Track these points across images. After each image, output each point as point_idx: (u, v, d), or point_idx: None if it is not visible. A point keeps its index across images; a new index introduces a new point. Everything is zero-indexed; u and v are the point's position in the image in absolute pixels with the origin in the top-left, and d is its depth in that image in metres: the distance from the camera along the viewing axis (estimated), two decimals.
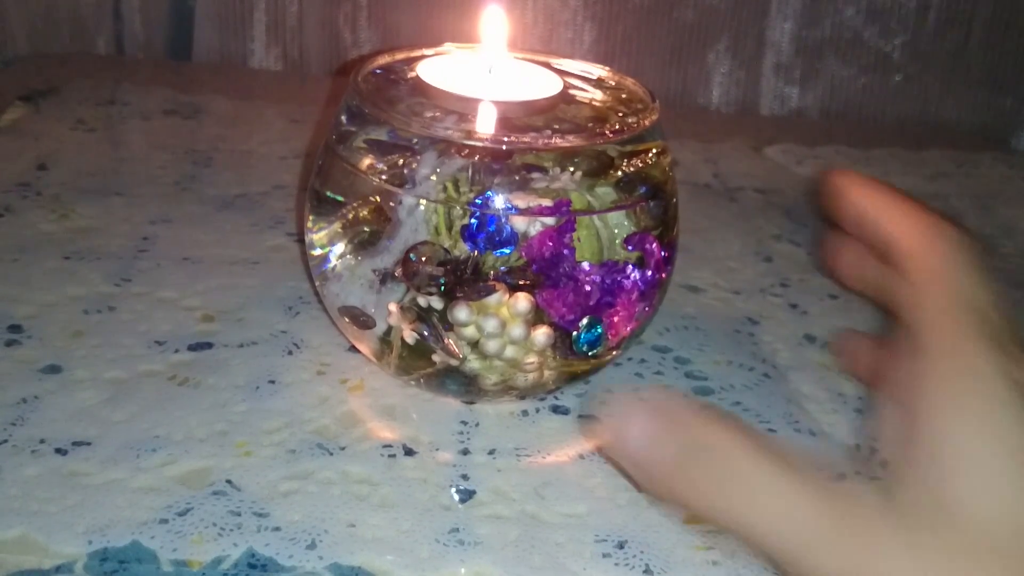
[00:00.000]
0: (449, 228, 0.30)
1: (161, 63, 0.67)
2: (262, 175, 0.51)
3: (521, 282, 0.31)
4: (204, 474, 0.30)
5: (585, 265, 0.31)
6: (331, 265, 0.33)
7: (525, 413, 0.34)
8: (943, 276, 0.28)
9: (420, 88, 0.33)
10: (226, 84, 0.63)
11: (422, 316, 0.31)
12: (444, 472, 0.31)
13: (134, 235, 0.44)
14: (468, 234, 0.30)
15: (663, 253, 0.33)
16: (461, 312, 0.31)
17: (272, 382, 0.35)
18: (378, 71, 0.35)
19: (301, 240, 0.44)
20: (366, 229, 0.32)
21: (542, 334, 0.31)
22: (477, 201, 0.30)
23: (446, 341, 0.31)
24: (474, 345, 0.31)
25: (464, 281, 0.30)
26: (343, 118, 0.33)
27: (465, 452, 0.32)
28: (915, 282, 0.28)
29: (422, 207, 0.30)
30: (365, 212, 0.32)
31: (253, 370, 0.35)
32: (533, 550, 0.28)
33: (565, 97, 0.35)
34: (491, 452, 0.32)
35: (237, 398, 0.34)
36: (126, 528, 0.28)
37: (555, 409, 0.35)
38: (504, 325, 0.31)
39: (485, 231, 0.30)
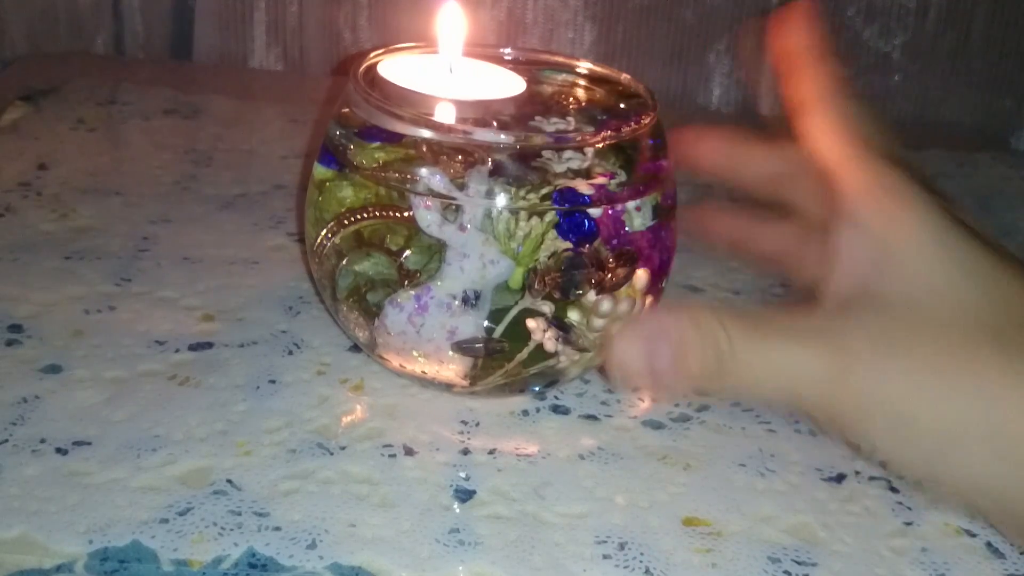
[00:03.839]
0: (511, 233, 0.30)
1: (161, 63, 0.67)
2: (262, 175, 0.51)
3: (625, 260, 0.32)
4: (204, 473, 0.30)
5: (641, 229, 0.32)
6: (399, 301, 0.32)
7: (525, 413, 0.34)
8: (851, 121, 0.33)
9: (404, 94, 0.33)
10: (226, 84, 0.63)
11: (556, 323, 0.31)
12: (444, 472, 0.31)
13: (134, 235, 0.44)
14: (561, 231, 0.30)
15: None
16: (606, 304, 0.31)
17: (272, 382, 0.35)
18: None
19: (301, 240, 0.44)
20: (408, 253, 0.31)
21: (650, 303, 0.33)
22: (556, 198, 0.30)
23: (580, 339, 0.32)
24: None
25: (601, 276, 0.31)
26: (353, 129, 0.33)
27: (465, 452, 0.32)
28: (827, 125, 0.33)
29: (468, 218, 0.30)
30: (399, 234, 0.31)
31: (253, 370, 0.35)
32: (533, 550, 0.28)
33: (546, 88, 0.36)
34: (491, 452, 0.32)
35: (237, 398, 0.34)
36: (126, 527, 0.28)
37: (555, 409, 0.35)
38: (634, 305, 0.32)
39: (577, 225, 0.30)
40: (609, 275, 0.31)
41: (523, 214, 0.30)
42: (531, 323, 0.31)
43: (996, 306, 0.29)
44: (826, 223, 0.32)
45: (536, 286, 0.31)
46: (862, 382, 0.28)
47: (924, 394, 0.28)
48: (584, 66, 0.37)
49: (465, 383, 0.33)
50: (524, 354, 0.32)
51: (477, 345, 0.31)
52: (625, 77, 0.36)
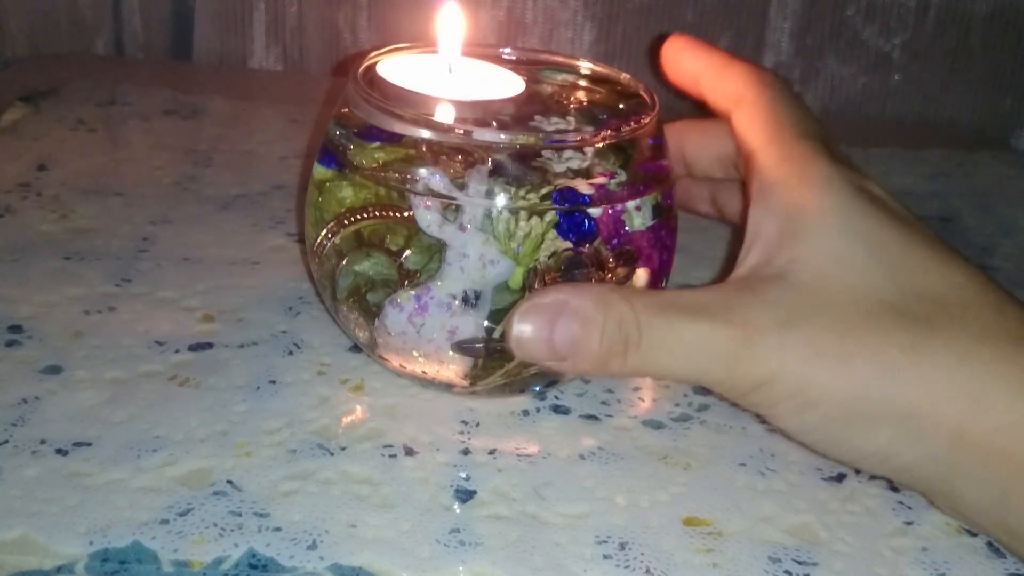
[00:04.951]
0: (511, 233, 0.30)
1: (161, 63, 0.67)
2: (262, 175, 0.51)
3: (625, 260, 0.32)
4: (205, 474, 0.30)
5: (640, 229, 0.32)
6: (399, 300, 0.32)
7: (525, 413, 0.34)
8: (773, 107, 0.33)
9: (404, 94, 0.33)
10: (226, 84, 0.63)
11: None
12: (444, 472, 0.31)
13: (134, 235, 0.44)
14: (561, 231, 0.30)
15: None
16: None
17: (272, 382, 0.35)
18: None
19: (301, 240, 0.44)
20: (408, 253, 0.31)
21: None
22: (556, 198, 0.30)
23: None
24: None
25: (601, 276, 0.31)
26: (353, 129, 0.32)
27: (465, 452, 0.32)
28: (749, 116, 0.33)
29: (468, 218, 0.30)
30: (399, 235, 0.31)
31: (253, 370, 0.35)
32: (534, 551, 0.28)
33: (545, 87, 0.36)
34: (491, 452, 0.32)
35: (237, 398, 0.34)
36: (127, 528, 0.28)
37: (555, 409, 0.35)
38: None
39: (577, 225, 0.30)
40: (609, 275, 0.31)
41: (523, 214, 0.30)
42: None
43: (901, 283, 0.28)
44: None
45: (537, 286, 0.31)
46: (764, 355, 0.28)
47: (824, 369, 0.28)
48: (583, 66, 0.37)
49: (465, 383, 0.33)
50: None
51: (477, 345, 0.31)
52: (624, 77, 0.36)
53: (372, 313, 0.32)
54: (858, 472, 0.33)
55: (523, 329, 0.29)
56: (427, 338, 0.32)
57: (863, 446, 0.28)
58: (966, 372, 0.27)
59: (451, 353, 0.32)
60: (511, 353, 0.31)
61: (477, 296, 0.31)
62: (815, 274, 0.29)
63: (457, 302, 0.31)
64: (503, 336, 0.30)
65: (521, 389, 0.34)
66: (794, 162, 0.31)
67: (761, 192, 0.31)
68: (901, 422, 0.27)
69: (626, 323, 0.28)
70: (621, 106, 0.35)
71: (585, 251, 0.31)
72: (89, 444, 0.31)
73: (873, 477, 0.33)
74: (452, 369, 0.32)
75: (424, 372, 0.33)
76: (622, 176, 0.31)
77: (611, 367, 0.29)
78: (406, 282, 0.31)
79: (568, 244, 0.30)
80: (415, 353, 0.32)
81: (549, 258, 0.30)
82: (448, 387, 0.34)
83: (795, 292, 0.28)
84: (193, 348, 0.36)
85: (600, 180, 0.31)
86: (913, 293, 0.28)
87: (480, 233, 0.30)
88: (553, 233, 0.30)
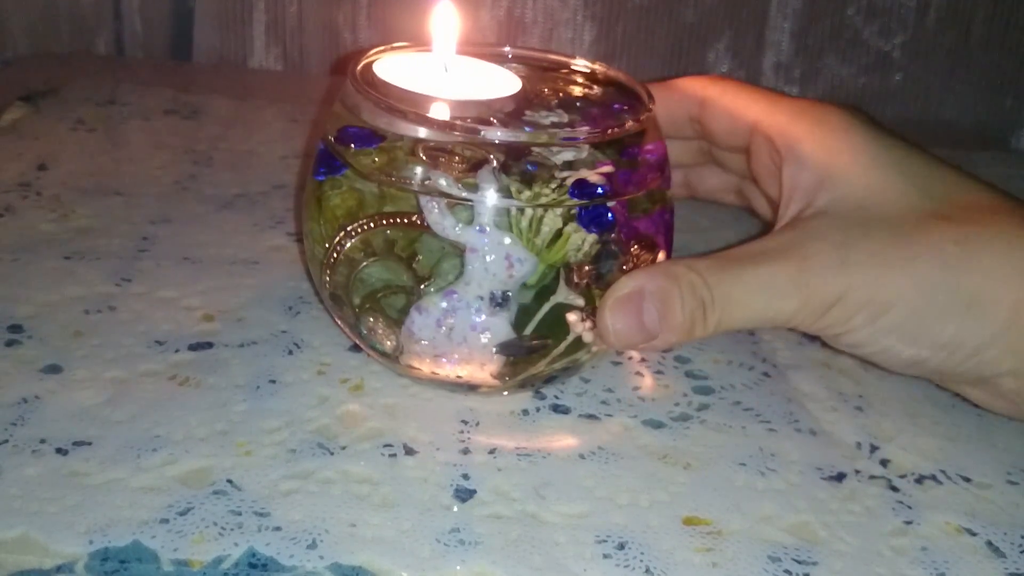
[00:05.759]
0: (537, 230, 0.30)
1: (161, 63, 0.67)
2: (262, 175, 0.51)
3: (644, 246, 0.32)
4: (205, 474, 0.30)
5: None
6: (427, 304, 0.31)
7: (525, 413, 0.34)
8: (746, 88, 0.37)
9: (407, 95, 0.32)
10: (226, 84, 0.63)
11: (590, 314, 0.32)
12: (444, 472, 0.31)
13: (134, 235, 0.44)
14: (583, 223, 0.31)
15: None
16: None
17: (272, 382, 0.35)
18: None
19: (301, 240, 0.44)
20: (420, 257, 0.31)
21: None
22: (574, 191, 0.30)
23: None
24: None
25: (631, 264, 0.32)
26: (356, 132, 0.32)
27: (465, 452, 0.32)
28: (727, 103, 0.36)
29: (486, 218, 0.30)
30: (411, 239, 0.31)
31: (253, 370, 0.35)
32: (533, 550, 0.28)
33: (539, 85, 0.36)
34: (491, 452, 0.32)
35: (237, 398, 0.34)
36: (127, 528, 0.28)
37: (555, 408, 0.35)
38: None
39: (599, 216, 0.31)
40: (635, 262, 0.32)
41: (539, 210, 0.30)
42: (571, 317, 0.31)
43: (938, 197, 0.32)
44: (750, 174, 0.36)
45: (576, 280, 0.31)
46: (829, 277, 0.30)
47: (891, 274, 0.30)
48: (541, 57, 0.37)
49: (496, 383, 0.33)
50: (562, 348, 0.32)
51: (521, 344, 0.31)
52: (600, 65, 0.36)
53: (396, 322, 0.32)
54: (858, 472, 0.33)
55: (615, 322, 0.31)
56: (458, 341, 0.31)
57: (935, 339, 0.31)
58: (1018, 254, 0.30)
59: (494, 354, 0.32)
60: (550, 347, 0.31)
61: (505, 296, 0.31)
62: (858, 204, 0.31)
63: (485, 303, 0.31)
64: (535, 334, 0.31)
65: (544, 383, 0.34)
66: (808, 115, 0.33)
67: (788, 150, 0.33)
68: (966, 308, 0.30)
69: (697, 287, 0.30)
70: (597, 92, 0.35)
71: (613, 241, 0.31)
72: (89, 443, 0.31)
73: (873, 477, 0.33)
74: (487, 370, 0.32)
75: (459, 376, 0.33)
76: (622, 165, 0.31)
77: (696, 331, 0.31)
78: (423, 286, 0.31)
79: (588, 236, 0.30)
80: (455, 356, 0.32)
81: (578, 251, 0.30)
82: (474, 388, 0.34)
83: (843, 220, 0.31)
84: (193, 348, 0.36)
85: (607, 170, 0.31)
86: (950, 203, 0.31)
87: (501, 232, 0.30)
88: (573, 226, 0.30)
